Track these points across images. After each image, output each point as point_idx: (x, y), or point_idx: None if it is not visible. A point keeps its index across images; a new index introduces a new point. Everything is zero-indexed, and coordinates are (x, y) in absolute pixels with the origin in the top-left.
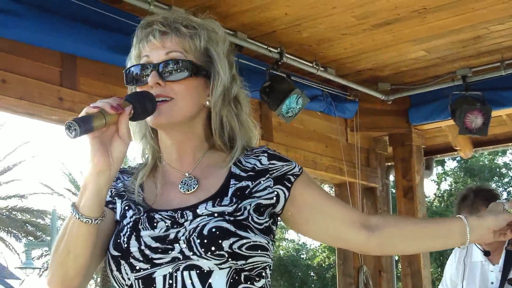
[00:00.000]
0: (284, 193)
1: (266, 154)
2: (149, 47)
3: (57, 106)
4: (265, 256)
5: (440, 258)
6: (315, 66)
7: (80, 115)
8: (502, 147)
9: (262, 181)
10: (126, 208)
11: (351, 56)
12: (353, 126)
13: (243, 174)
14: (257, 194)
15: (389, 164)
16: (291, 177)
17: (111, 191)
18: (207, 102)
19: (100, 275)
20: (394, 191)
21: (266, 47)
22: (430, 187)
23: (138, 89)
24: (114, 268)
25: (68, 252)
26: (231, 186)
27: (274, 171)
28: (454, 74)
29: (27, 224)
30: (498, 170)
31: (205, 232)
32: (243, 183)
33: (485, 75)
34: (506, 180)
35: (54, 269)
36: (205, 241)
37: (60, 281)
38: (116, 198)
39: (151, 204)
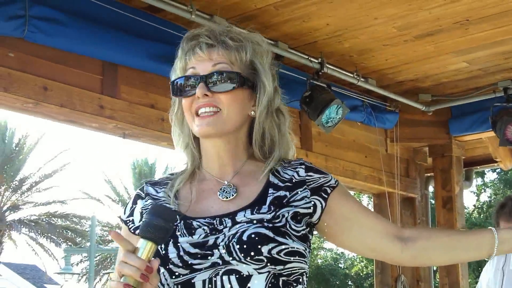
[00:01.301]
0: (321, 203)
1: (303, 166)
2: (195, 59)
3: (97, 114)
4: (302, 262)
5: (478, 269)
6: (355, 76)
7: None
8: None
9: (299, 192)
10: None
11: (392, 67)
12: (393, 137)
13: (280, 184)
14: (295, 204)
15: (429, 175)
16: (327, 188)
17: (141, 213)
18: (252, 113)
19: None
20: (433, 201)
21: (307, 57)
22: (469, 199)
23: (184, 100)
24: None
25: None
26: (269, 195)
27: (311, 182)
28: (496, 86)
29: (66, 230)
30: None
31: (244, 238)
32: (281, 193)
33: None
34: None
35: None
36: (245, 246)
37: None
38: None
39: (185, 211)
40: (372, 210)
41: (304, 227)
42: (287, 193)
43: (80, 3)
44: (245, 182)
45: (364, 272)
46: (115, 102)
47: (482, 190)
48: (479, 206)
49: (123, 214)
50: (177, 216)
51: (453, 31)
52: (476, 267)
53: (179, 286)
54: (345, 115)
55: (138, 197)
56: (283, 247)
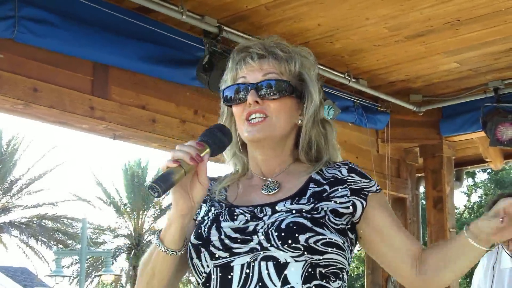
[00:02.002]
0: (362, 203)
1: (346, 167)
2: (246, 69)
3: (88, 115)
4: (340, 255)
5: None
6: (347, 77)
7: (161, 167)
8: None
9: (339, 189)
10: (210, 207)
11: (384, 67)
12: (384, 137)
13: (322, 180)
14: (334, 199)
15: (420, 175)
16: (367, 192)
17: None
18: (299, 122)
19: (131, 284)
20: (424, 202)
21: None
22: (460, 199)
23: (235, 108)
24: (194, 256)
25: (153, 275)
26: (309, 188)
27: (352, 183)
28: (486, 86)
29: (57, 232)
30: None
31: (283, 226)
32: (321, 188)
33: None
34: None
35: (141, 286)
36: (283, 234)
37: None
38: (202, 203)
39: (231, 201)
40: None
41: (344, 222)
42: (327, 187)
43: (70, 4)
44: (288, 179)
45: (355, 273)
46: (106, 103)
47: (473, 191)
48: (470, 206)
49: None
50: (223, 204)
51: (444, 32)
52: None
53: (218, 268)
54: (337, 115)
55: None
56: (320, 237)
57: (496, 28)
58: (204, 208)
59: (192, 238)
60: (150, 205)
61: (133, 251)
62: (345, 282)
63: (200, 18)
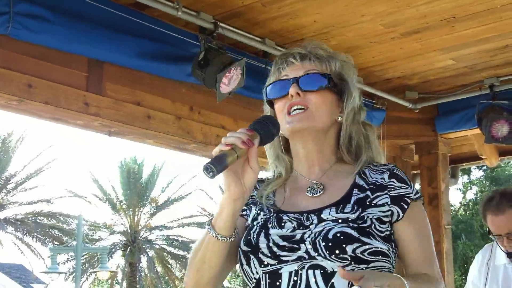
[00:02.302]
0: (398, 212)
1: (388, 172)
2: (289, 68)
3: (82, 111)
4: (386, 262)
5: (464, 266)
6: None
7: (214, 152)
8: None
9: (380, 196)
10: (259, 211)
11: (379, 64)
12: (379, 134)
13: (365, 186)
14: (378, 207)
15: (415, 172)
16: (407, 199)
17: (250, 198)
18: (339, 118)
19: (127, 280)
20: None
21: None
22: (456, 196)
23: (277, 104)
24: (244, 262)
25: (203, 262)
26: (353, 195)
27: (392, 189)
28: (482, 83)
29: (53, 229)
30: None
31: (330, 236)
32: (365, 194)
33: None
34: None
35: (190, 273)
36: (330, 244)
37: (194, 285)
38: (252, 205)
39: (279, 206)
40: None
41: (388, 228)
42: (369, 194)
43: (65, 0)
44: (332, 181)
45: None
46: (101, 99)
47: (469, 188)
48: (465, 203)
49: None
50: (272, 210)
51: (439, 29)
52: (462, 264)
53: (267, 275)
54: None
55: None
56: (367, 247)
57: (492, 25)
58: (253, 211)
59: (241, 244)
60: (146, 202)
61: (129, 248)
62: None
63: (195, 14)
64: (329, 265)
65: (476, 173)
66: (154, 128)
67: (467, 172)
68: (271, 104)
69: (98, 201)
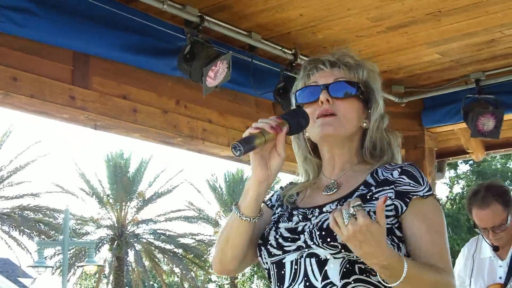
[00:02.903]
0: (402, 207)
1: (400, 170)
2: (319, 75)
3: (68, 105)
4: None
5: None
6: None
7: (244, 135)
8: None
9: (385, 189)
10: (279, 209)
11: (366, 58)
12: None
13: (373, 183)
14: (377, 202)
15: None
16: (411, 196)
17: (279, 198)
18: (364, 124)
19: (114, 275)
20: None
21: (280, 48)
22: (442, 190)
23: (305, 107)
24: (258, 254)
25: (227, 241)
26: (358, 191)
27: (400, 185)
28: (468, 78)
29: (39, 223)
30: (510, 174)
31: (324, 226)
32: (368, 189)
33: (499, 79)
34: None
35: (216, 252)
36: (323, 233)
37: (219, 263)
38: (277, 203)
39: (297, 204)
40: None
41: (391, 222)
42: (373, 189)
43: None
44: (348, 180)
45: None
46: (87, 93)
47: (455, 182)
48: (452, 197)
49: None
50: (289, 206)
51: (426, 23)
52: None
53: (274, 265)
54: None
55: (281, 189)
56: None
57: (478, 19)
58: (278, 211)
59: (258, 238)
60: (133, 196)
61: (116, 242)
62: None
63: (181, 7)
64: (322, 252)
65: (463, 167)
66: (140, 122)
67: (454, 166)
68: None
69: (85, 195)
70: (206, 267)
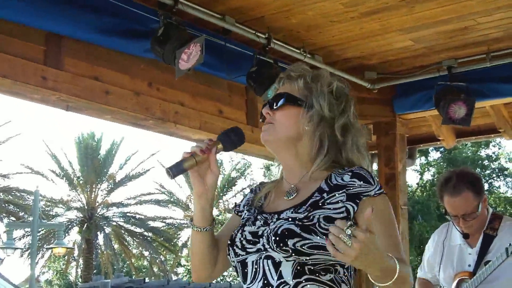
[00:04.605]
0: (353, 207)
1: (351, 173)
2: (273, 92)
3: (40, 85)
4: (327, 255)
5: (420, 247)
6: (302, 52)
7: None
8: (485, 138)
9: (336, 194)
10: (247, 212)
11: (339, 43)
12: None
13: (326, 189)
14: (329, 206)
15: (373, 152)
16: (362, 196)
17: (246, 203)
18: (306, 128)
19: (83, 257)
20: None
21: (254, 32)
22: (413, 177)
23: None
24: (227, 252)
25: (191, 250)
26: (312, 198)
27: (351, 188)
28: (440, 65)
29: (9, 204)
30: (480, 162)
31: (278, 231)
32: (320, 196)
33: (471, 66)
34: (488, 172)
35: (190, 261)
36: (277, 238)
37: (193, 270)
38: (245, 207)
39: (263, 208)
40: None
41: None
42: (325, 195)
43: None
44: (306, 186)
45: None
46: (59, 73)
47: (426, 169)
48: (422, 184)
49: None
50: (256, 210)
51: (399, 9)
52: (418, 245)
53: (240, 263)
54: None
55: (251, 192)
56: (307, 241)
57: (451, 6)
58: (245, 213)
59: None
60: (104, 179)
61: (86, 224)
62: (340, 274)
63: None
64: (276, 255)
65: (434, 155)
66: (112, 103)
67: (425, 153)
68: None
69: (55, 176)
70: (176, 251)
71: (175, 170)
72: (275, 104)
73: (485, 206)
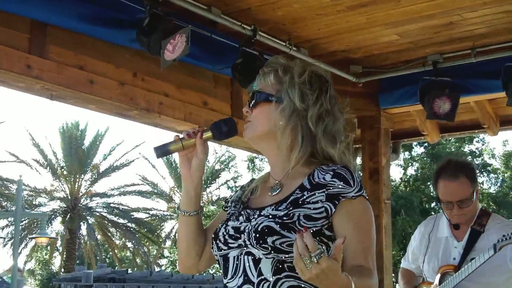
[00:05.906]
0: (331, 208)
1: (332, 173)
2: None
3: (24, 74)
4: None
5: (403, 241)
6: (288, 45)
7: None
8: (469, 133)
9: (317, 193)
10: (233, 207)
11: (325, 37)
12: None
13: (308, 186)
14: (308, 205)
15: (357, 146)
16: (341, 197)
17: (231, 199)
18: (281, 123)
19: (66, 247)
20: (360, 173)
21: (239, 24)
22: (396, 172)
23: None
24: (211, 246)
25: (178, 239)
26: (293, 195)
27: (331, 188)
28: (425, 60)
29: None
30: (464, 157)
31: (259, 229)
32: (301, 194)
33: (456, 62)
34: None
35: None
36: (257, 235)
37: (179, 261)
38: (232, 203)
39: (249, 203)
40: None
41: (320, 225)
42: (306, 193)
43: None
44: (289, 182)
45: None
46: (43, 62)
47: (409, 164)
48: (406, 179)
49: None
50: (242, 206)
51: (385, 3)
52: (401, 239)
53: (222, 258)
54: None
55: (241, 189)
56: (286, 239)
57: (437, 1)
58: (231, 208)
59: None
60: (87, 169)
61: (69, 214)
62: None
63: None
64: (256, 252)
65: (417, 150)
66: (96, 93)
67: (409, 148)
68: None
69: (39, 166)
70: (159, 242)
71: (159, 151)
72: (251, 103)
73: (477, 197)
